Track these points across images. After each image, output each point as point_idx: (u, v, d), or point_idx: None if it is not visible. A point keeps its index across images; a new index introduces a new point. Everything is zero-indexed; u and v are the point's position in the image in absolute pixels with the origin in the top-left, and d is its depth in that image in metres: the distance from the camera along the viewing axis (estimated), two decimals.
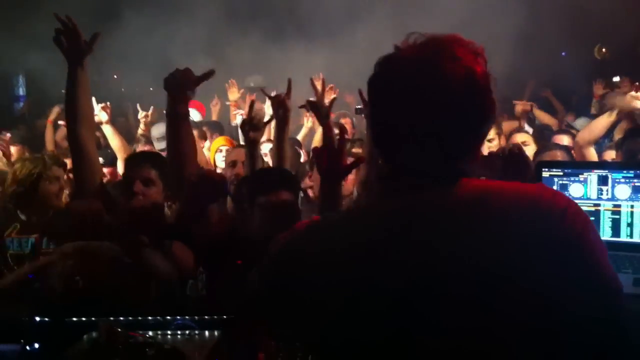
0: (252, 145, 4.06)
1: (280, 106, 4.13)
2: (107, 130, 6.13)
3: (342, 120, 8.94)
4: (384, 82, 1.58)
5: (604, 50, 11.93)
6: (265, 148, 6.02)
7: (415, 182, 1.52)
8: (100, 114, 5.98)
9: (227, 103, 8.96)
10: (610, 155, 5.57)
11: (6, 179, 4.37)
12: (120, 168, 6.13)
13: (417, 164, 1.53)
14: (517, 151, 2.92)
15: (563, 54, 12.27)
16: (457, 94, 1.48)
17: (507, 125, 7.11)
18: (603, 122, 5.45)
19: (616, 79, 11.86)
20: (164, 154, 6.59)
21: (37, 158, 4.43)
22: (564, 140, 5.92)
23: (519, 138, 5.77)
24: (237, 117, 7.04)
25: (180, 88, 3.13)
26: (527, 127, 7.47)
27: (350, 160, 3.04)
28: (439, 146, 1.51)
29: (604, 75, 11.63)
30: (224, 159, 6.09)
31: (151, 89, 13.58)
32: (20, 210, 4.25)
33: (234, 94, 8.66)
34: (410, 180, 1.53)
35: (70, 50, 3.49)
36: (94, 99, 5.98)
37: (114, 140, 6.16)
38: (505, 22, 9.41)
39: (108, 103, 6.15)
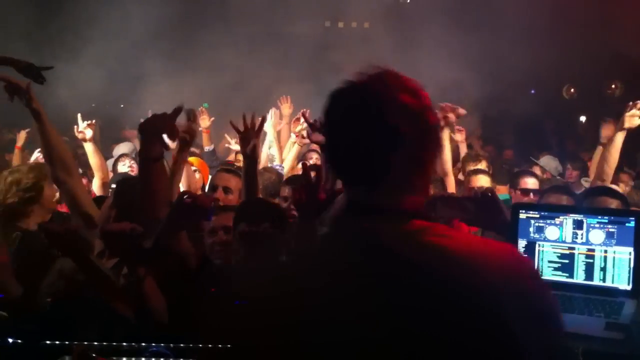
0: (249, 160, 4.12)
1: (249, 143, 4.11)
2: (89, 148, 6.08)
3: (308, 156, 9.00)
4: (334, 113, 1.59)
5: (572, 90, 12.21)
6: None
7: (367, 219, 1.52)
8: (85, 130, 5.96)
9: (200, 129, 9.02)
10: None
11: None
12: (95, 186, 6.08)
13: (368, 199, 1.54)
14: (489, 195, 2.97)
15: (532, 91, 12.54)
16: (406, 127, 1.50)
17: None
18: (616, 151, 5.61)
19: (582, 118, 12.17)
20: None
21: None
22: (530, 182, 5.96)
23: (481, 181, 5.75)
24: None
25: (155, 131, 3.11)
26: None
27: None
28: (390, 180, 1.53)
29: (570, 114, 11.90)
30: None
31: (122, 105, 13.56)
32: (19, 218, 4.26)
33: (205, 121, 8.70)
34: (362, 217, 1.53)
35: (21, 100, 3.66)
36: (79, 115, 6.00)
37: (94, 159, 6.12)
38: (475, 58, 9.61)
39: (94, 120, 6.14)
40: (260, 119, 4.25)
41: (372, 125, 1.50)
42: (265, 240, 3.09)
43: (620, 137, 5.57)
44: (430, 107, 1.56)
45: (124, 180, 4.30)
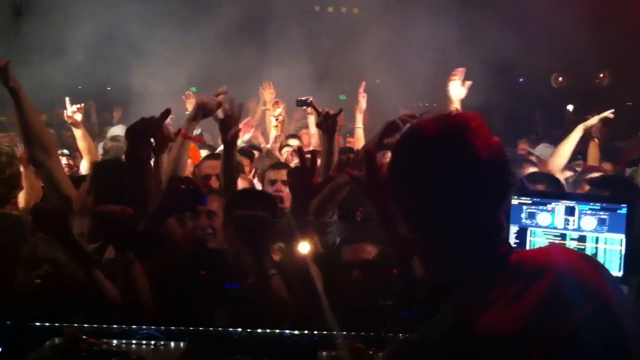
0: (228, 146, 4.08)
1: (229, 129, 4.09)
2: (78, 132, 6.04)
3: (301, 132, 9.02)
4: (412, 169, 1.59)
5: (560, 79, 12.23)
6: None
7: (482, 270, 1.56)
8: (75, 115, 5.92)
9: (186, 113, 8.96)
10: None
11: None
12: (84, 168, 6.04)
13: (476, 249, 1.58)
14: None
15: (521, 80, 12.55)
16: (488, 168, 1.53)
17: None
18: (570, 145, 5.76)
19: (570, 107, 12.20)
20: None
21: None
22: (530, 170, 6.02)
23: None
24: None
25: (142, 134, 3.06)
26: None
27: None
28: (483, 228, 1.57)
29: (558, 103, 11.93)
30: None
31: (109, 88, 13.45)
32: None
33: (192, 105, 8.64)
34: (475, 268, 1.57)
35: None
36: (67, 99, 5.96)
37: (83, 143, 6.07)
38: (464, 47, 9.59)
39: (83, 104, 6.09)
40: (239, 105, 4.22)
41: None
42: (261, 226, 3.07)
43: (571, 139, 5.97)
44: None
45: (100, 164, 4.24)
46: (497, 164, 1.54)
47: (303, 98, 7.27)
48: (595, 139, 6.93)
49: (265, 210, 3.16)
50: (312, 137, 7.55)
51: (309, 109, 7.66)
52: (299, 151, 3.13)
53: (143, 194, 3.10)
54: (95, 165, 4.33)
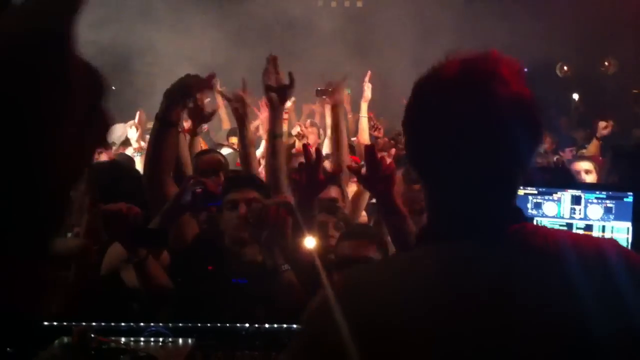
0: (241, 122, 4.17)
1: (238, 101, 4.15)
2: None
3: (308, 130, 8.96)
4: (427, 111, 1.45)
5: (565, 68, 12.19)
6: None
7: (472, 227, 1.41)
8: None
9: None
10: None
11: None
12: None
13: (472, 205, 1.43)
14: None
15: (525, 69, 12.48)
16: (512, 123, 1.36)
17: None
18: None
19: (575, 96, 12.17)
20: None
21: None
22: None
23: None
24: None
25: (182, 95, 3.09)
26: None
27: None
28: (495, 185, 1.42)
29: (563, 91, 11.89)
30: None
31: (113, 87, 13.46)
32: None
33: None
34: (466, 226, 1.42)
35: None
36: None
37: None
38: (468, 36, 9.57)
39: None
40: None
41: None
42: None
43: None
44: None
45: (94, 166, 4.21)
46: (522, 117, 1.36)
47: (323, 88, 7.14)
48: (599, 140, 7.29)
49: (258, 191, 3.16)
50: (328, 127, 7.45)
51: (328, 99, 7.55)
52: (304, 147, 3.12)
53: (159, 161, 3.12)
54: (90, 168, 4.29)
